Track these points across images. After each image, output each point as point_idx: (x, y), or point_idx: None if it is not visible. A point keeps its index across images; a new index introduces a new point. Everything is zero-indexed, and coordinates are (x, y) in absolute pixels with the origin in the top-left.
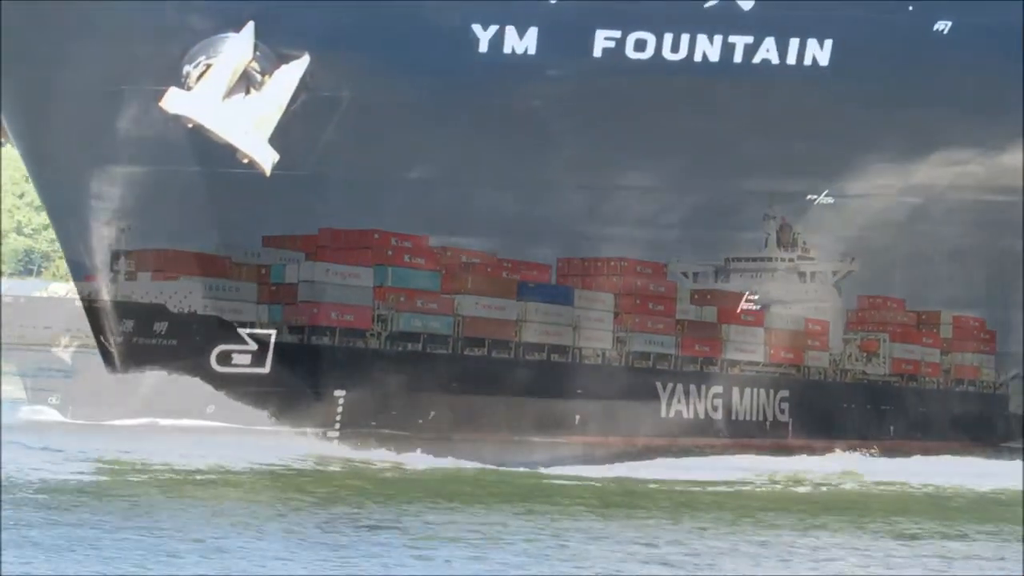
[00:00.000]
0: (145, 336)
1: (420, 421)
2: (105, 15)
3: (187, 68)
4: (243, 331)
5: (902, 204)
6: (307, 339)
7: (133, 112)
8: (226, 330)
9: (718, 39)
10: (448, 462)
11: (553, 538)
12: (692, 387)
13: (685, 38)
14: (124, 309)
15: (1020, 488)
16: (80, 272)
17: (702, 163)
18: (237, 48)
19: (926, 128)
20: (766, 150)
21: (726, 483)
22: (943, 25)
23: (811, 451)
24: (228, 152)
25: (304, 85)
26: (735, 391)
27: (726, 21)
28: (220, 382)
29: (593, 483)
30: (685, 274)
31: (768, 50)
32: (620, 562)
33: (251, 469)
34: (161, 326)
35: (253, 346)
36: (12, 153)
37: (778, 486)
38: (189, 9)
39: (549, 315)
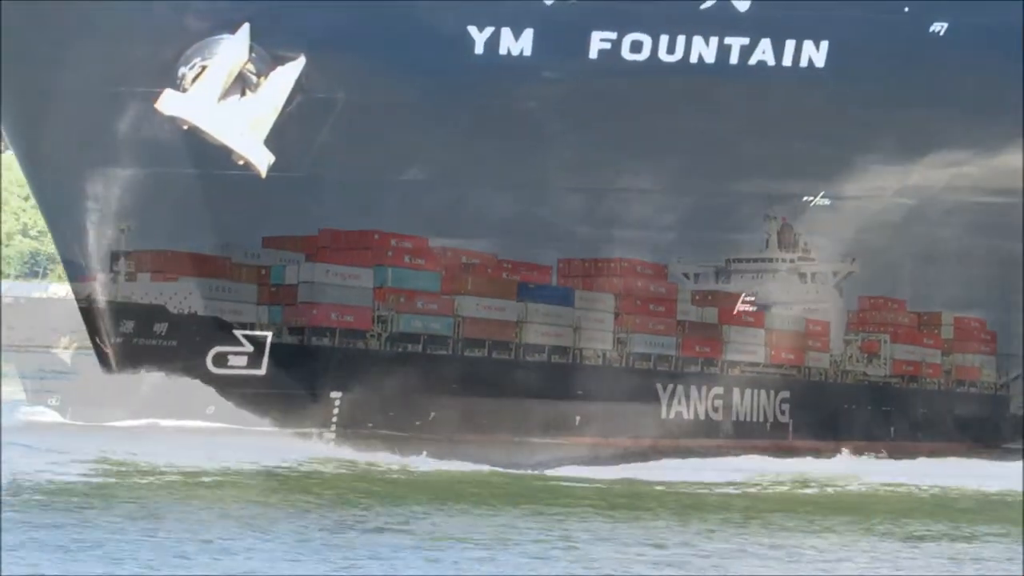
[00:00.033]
0: (144, 337)
1: (418, 423)
2: (100, 17)
3: (182, 70)
4: (238, 332)
5: (898, 205)
6: (307, 340)
7: (128, 114)
8: (225, 331)
9: (714, 41)
10: (449, 464)
11: (561, 540)
12: (693, 388)
13: (681, 39)
14: (122, 310)
15: (1021, 489)
16: (76, 273)
17: (699, 164)
18: (232, 50)
19: (923, 129)
20: (764, 151)
21: (728, 485)
22: (939, 26)
23: (811, 452)
24: (224, 154)
25: (300, 87)
26: (736, 392)
27: (722, 22)
28: (219, 383)
29: (594, 485)
30: (686, 275)
31: (764, 51)
32: (627, 564)
33: (252, 470)
34: (161, 327)
35: (250, 347)
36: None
37: (778, 487)
38: (184, 11)
39: (549, 316)
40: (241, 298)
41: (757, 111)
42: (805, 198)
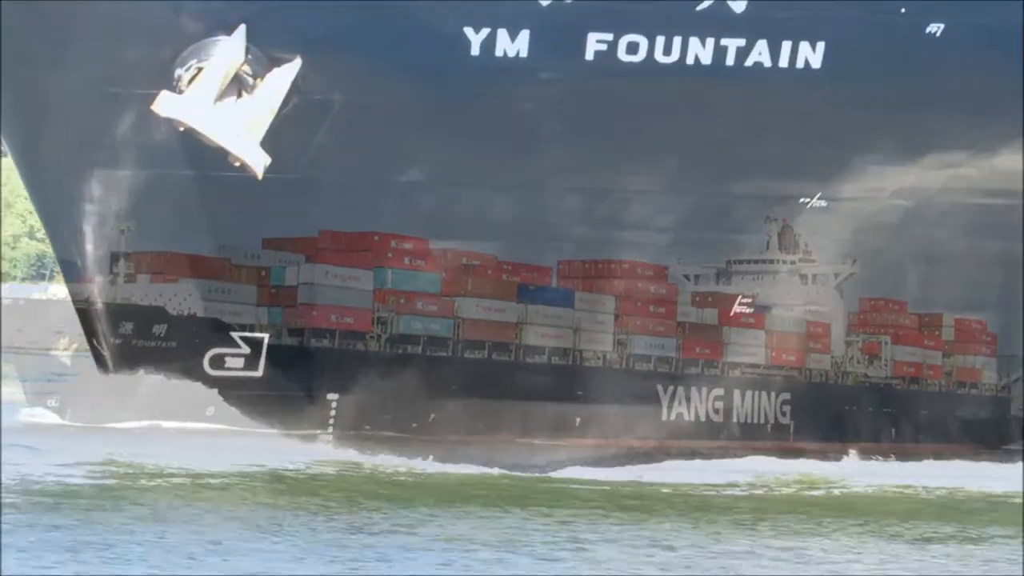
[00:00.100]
0: (143, 339)
1: (414, 425)
2: (96, 18)
3: (179, 71)
4: (235, 334)
5: (895, 207)
6: (307, 342)
7: (125, 115)
8: (225, 332)
9: (710, 42)
10: (449, 465)
11: (567, 542)
12: (693, 389)
13: (677, 41)
14: (121, 311)
15: (1021, 491)
16: (73, 275)
17: (697, 166)
18: (229, 51)
19: (921, 130)
20: (760, 153)
21: (730, 486)
22: (936, 27)
23: (812, 454)
24: (220, 155)
25: (296, 88)
26: (736, 393)
27: (718, 24)
28: (218, 385)
29: (594, 486)
30: (686, 276)
31: (760, 52)
32: (632, 566)
33: (254, 472)
34: (160, 328)
35: (247, 349)
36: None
37: (778, 489)
38: (180, 12)
39: (550, 317)
40: (241, 299)
41: (754, 112)
42: (802, 199)
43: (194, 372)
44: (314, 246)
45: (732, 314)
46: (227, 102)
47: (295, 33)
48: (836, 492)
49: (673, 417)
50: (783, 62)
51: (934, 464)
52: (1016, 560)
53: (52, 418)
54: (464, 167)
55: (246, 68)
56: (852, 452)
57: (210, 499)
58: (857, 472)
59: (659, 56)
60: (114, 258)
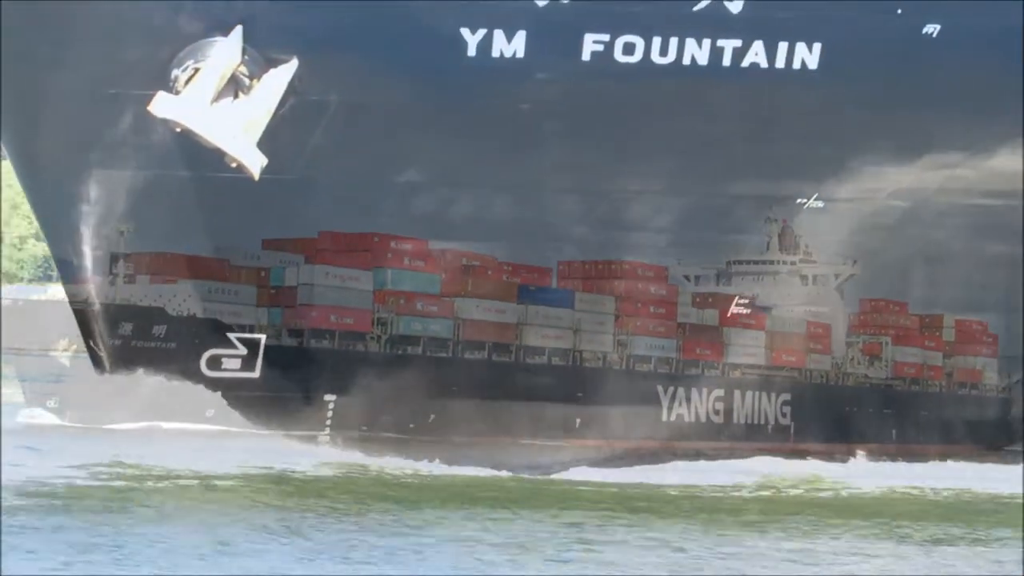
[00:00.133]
0: (143, 339)
1: (414, 425)
2: (92, 19)
3: (175, 72)
4: (234, 335)
5: (893, 207)
6: (306, 342)
7: (122, 116)
8: (225, 333)
9: (707, 42)
10: (450, 466)
11: (566, 543)
12: (694, 390)
13: (674, 41)
14: (120, 312)
15: (1021, 492)
16: (70, 276)
17: (694, 166)
18: (225, 52)
19: (918, 131)
20: (758, 153)
21: (731, 487)
22: (932, 28)
23: (812, 454)
24: (217, 156)
25: (292, 89)
26: (737, 394)
27: (715, 24)
28: (218, 386)
29: (593, 487)
30: (687, 277)
31: (757, 53)
32: (637, 567)
33: (254, 473)
34: (160, 329)
35: (245, 350)
36: None
37: (779, 490)
38: (177, 13)
39: (550, 318)
40: (240, 300)
41: (750, 113)
42: (799, 200)
43: (194, 373)
44: (314, 247)
45: (732, 315)
46: (224, 103)
47: (291, 34)
48: (837, 493)
49: (673, 418)
50: (779, 63)
51: (934, 465)
52: (1017, 562)
53: (51, 419)
54: (461, 168)
55: (243, 69)
56: (853, 453)
57: (210, 500)
58: (857, 473)
59: (655, 57)
60: (113, 259)
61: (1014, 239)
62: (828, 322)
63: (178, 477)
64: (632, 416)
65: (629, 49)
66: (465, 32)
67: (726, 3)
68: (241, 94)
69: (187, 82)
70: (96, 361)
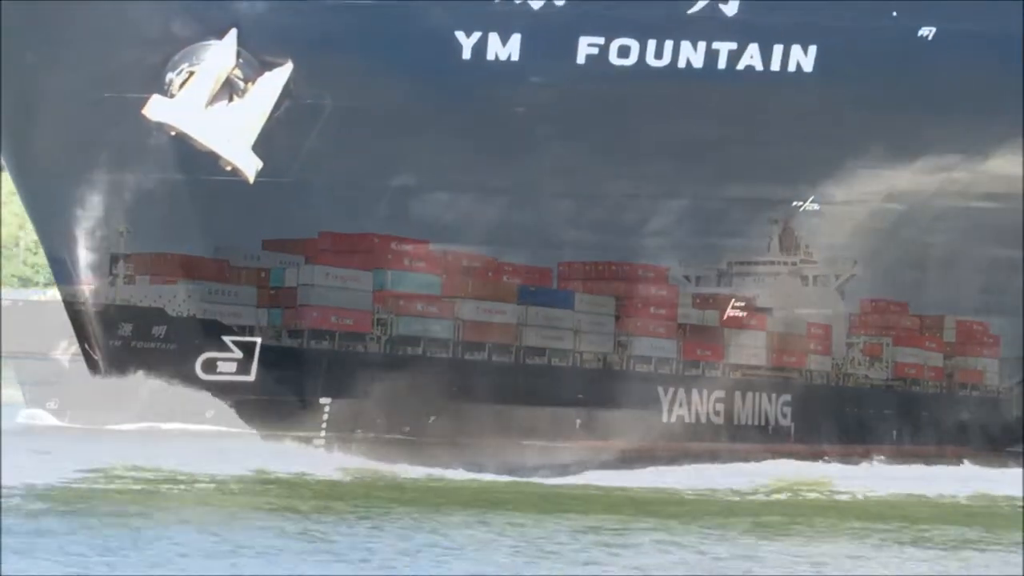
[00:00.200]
0: (143, 340)
1: (407, 428)
2: (86, 22)
3: (170, 75)
4: (233, 337)
5: (889, 210)
6: (306, 343)
7: (116, 119)
8: (225, 334)
9: (702, 45)
10: (451, 467)
11: (565, 544)
12: (694, 391)
13: (669, 44)
14: (119, 313)
15: (1021, 494)
16: (66, 277)
17: (691, 168)
18: (220, 55)
19: (916, 133)
20: (754, 155)
21: (729, 488)
22: (928, 31)
23: (813, 456)
24: (211, 159)
25: (287, 92)
26: (737, 395)
27: (710, 27)
28: (217, 387)
29: (594, 488)
30: (687, 278)
31: (752, 56)
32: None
33: (255, 474)
34: (160, 330)
35: (239, 353)
36: None
37: (780, 491)
38: (171, 16)
39: (550, 319)
40: (240, 301)
41: (746, 115)
42: (795, 203)
43: (194, 374)
44: (314, 247)
45: (733, 316)
46: (218, 106)
47: (286, 37)
48: (838, 494)
49: (673, 419)
50: (775, 65)
51: (935, 467)
52: (1017, 564)
53: (51, 420)
54: (457, 170)
55: (237, 72)
56: (853, 454)
57: (210, 501)
58: (858, 474)
59: (651, 59)
60: (113, 260)
61: (1014, 240)
62: (829, 323)
63: (178, 478)
64: (632, 417)
65: (624, 52)
66: (460, 35)
67: (721, 6)
68: (236, 97)
69: (181, 86)
70: (91, 363)
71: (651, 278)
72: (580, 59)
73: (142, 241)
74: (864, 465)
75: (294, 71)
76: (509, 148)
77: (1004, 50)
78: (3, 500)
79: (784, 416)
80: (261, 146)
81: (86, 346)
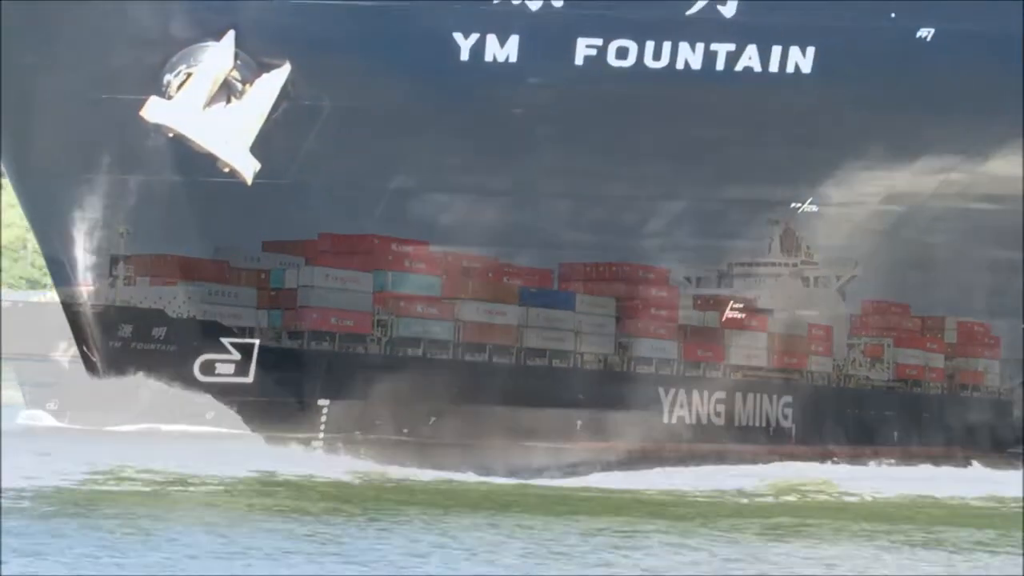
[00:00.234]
0: (143, 342)
1: (406, 430)
2: (84, 23)
3: (167, 77)
4: (225, 340)
5: (887, 211)
6: (307, 344)
7: (114, 121)
8: (224, 335)
9: (700, 46)
10: (450, 469)
11: (564, 546)
12: (695, 392)
13: (667, 46)
14: (119, 314)
15: (1022, 495)
16: (63, 278)
17: (691, 169)
18: (217, 57)
19: (915, 133)
20: (752, 157)
21: (728, 490)
22: (926, 32)
23: (814, 457)
24: (209, 161)
25: (285, 93)
26: (738, 396)
27: (708, 28)
28: (217, 389)
29: (594, 490)
30: (688, 279)
31: (751, 57)
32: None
33: (256, 475)
34: (160, 331)
35: (237, 355)
36: None
37: (781, 492)
38: (169, 17)
39: (551, 320)
40: (240, 302)
41: (743, 117)
42: (793, 204)
43: (194, 375)
44: (314, 249)
45: (734, 317)
46: (216, 108)
47: (284, 39)
48: (839, 496)
49: (674, 420)
50: (773, 67)
51: (936, 468)
52: (1017, 565)
53: (51, 421)
54: (456, 171)
55: (235, 74)
56: (854, 456)
57: (210, 502)
58: (859, 476)
59: (649, 61)
60: (113, 261)
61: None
62: (830, 324)
63: (178, 479)
64: (633, 418)
65: (622, 53)
66: (458, 36)
67: (719, 7)
68: (234, 99)
69: (179, 87)
70: (89, 365)
71: (652, 279)
72: (578, 60)
73: (141, 243)
74: (865, 466)
75: (292, 72)
76: (508, 149)
77: (1003, 51)
78: (3, 501)
79: (785, 417)
80: (259, 147)
81: (84, 348)
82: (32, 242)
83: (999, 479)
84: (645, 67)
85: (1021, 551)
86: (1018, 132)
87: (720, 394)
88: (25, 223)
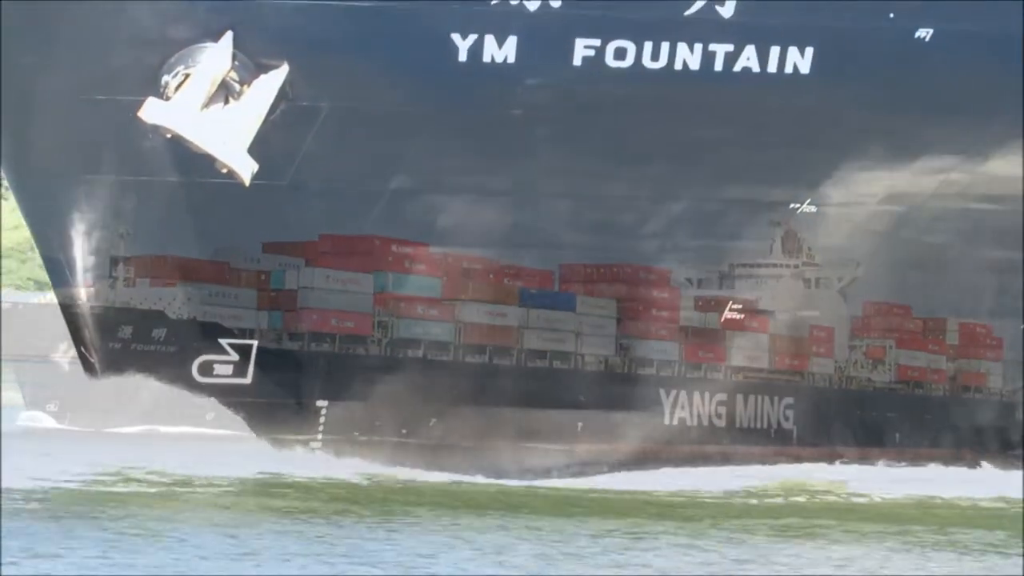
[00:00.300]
0: (143, 343)
1: (405, 431)
2: (81, 24)
3: (165, 78)
4: (223, 341)
5: (885, 212)
6: (307, 345)
7: (112, 121)
8: (224, 337)
9: (698, 47)
10: (452, 470)
11: (563, 547)
12: (696, 394)
13: (665, 46)
14: (119, 315)
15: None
16: (62, 280)
17: (690, 170)
18: (215, 58)
19: (913, 134)
20: (751, 157)
21: (729, 491)
22: (924, 32)
23: (815, 458)
24: (207, 162)
25: (283, 94)
26: (739, 398)
27: (707, 29)
28: (218, 390)
29: (595, 492)
30: (689, 280)
31: (749, 58)
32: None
33: (257, 476)
34: (160, 332)
35: (235, 356)
36: None
37: (781, 494)
38: (167, 18)
39: (551, 322)
40: (241, 303)
41: (742, 117)
42: (792, 205)
43: (195, 377)
44: (315, 250)
45: (735, 318)
46: (214, 109)
47: (282, 39)
48: (840, 497)
49: (675, 422)
50: (771, 67)
51: (937, 469)
52: (1017, 565)
53: (51, 423)
54: (454, 172)
55: (233, 75)
56: (856, 457)
57: (210, 504)
58: (860, 477)
59: (647, 61)
60: (113, 262)
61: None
62: (831, 325)
63: (177, 480)
64: (634, 420)
65: (620, 54)
66: (456, 37)
67: (718, 7)
68: (231, 100)
69: (177, 88)
70: (87, 366)
71: (653, 280)
72: (576, 61)
73: (141, 244)
74: (867, 467)
75: (290, 73)
76: (506, 150)
77: (1002, 51)
78: (3, 501)
79: (786, 419)
80: (257, 148)
81: (82, 349)
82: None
83: (1002, 480)
84: (643, 68)
85: (1022, 551)
86: (1018, 132)
87: (721, 395)
88: None
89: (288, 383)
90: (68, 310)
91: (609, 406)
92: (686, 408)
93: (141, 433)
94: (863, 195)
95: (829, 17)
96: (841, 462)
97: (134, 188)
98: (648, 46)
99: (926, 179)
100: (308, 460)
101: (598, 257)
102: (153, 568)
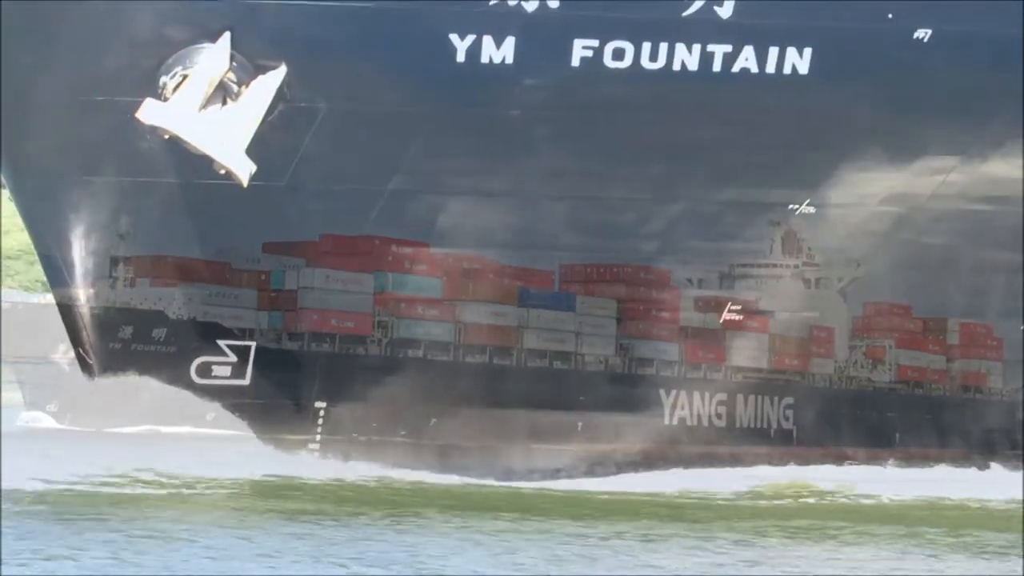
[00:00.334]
0: (143, 343)
1: (402, 432)
2: (79, 25)
3: (163, 79)
4: (227, 341)
5: (884, 213)
6: (307, 345)
7: (110, 122)
8: (224, 337)
9: (696, 48)
10: (452, 470)
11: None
12: (696, 394)
13: (663, 47)
14: (119, 316)
15: (1022, 498)
16: (60, 280)
17: (690, 170)
18: (213, 59)
19: (913, 135)
20: (750, 158)
21: (729, 491)
22: (923, 32)
23: (815, 459)
24: (205, 163)
25: (282, 95)
26: (739, 398)
27: (705, 29)
28: (218, 391)
29: (595, 494)
30: (689, 280)
31: (747, 59)
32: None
33: (259, 477)
34: (159, 332)
35: (233, 358)
36: None
37: (780, 496)
38: (165, 19)
39: (551, 322)
40: (241, 304)
41: (741, 118)
42: (791, 206)
43: (195, 377)
44: (315, 250)
45: (735, 319)
46: (212, 110)
47: (280, 40)
48: (841, 498)
49: (675, 422)
50: (770, 68)
51: (937, 470)
52: (1017, 564)
53: (51, 423)
54: (453, 173)
55: (231, 75)
56: (855, 457)
57: (210, 504)
58: (860, 477)
59: (645, 62)
60: (113, 262)
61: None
62: (831, 325)
63: (177, 481)
64: (634, 420)
65: (619, 55)
66: (454, 38)
67: (716, 8)
68: (229, 101)
69: (175, 89)
70: (86, 367)
71: (653, 281)
72: (575, 62)
73: (141, 244)
74: (867, 468)
75: (288, 74)
76: (505, 150)
77: (1002, 51)
78: (2, 502)
79: (786, 419)
80: (255, 149)
81: (81, 350)
82: None
83: (1002, 481)
84: (642, 68)
85: (1021, 552)
86: (1018, 132)
87: (721, 396)
88: None
89: (287, 383)
90: (67, 310)
91: (609, 406)
92: (686, 408)
93: (142, 434)
94: (864, 195)
95: (828, 18)
96: (836, 462)
97: (133, 189)
98: (646, 47)
99: (926, 179)
100: (307, 461)
101: (598, 257)
102: (150, 567)
